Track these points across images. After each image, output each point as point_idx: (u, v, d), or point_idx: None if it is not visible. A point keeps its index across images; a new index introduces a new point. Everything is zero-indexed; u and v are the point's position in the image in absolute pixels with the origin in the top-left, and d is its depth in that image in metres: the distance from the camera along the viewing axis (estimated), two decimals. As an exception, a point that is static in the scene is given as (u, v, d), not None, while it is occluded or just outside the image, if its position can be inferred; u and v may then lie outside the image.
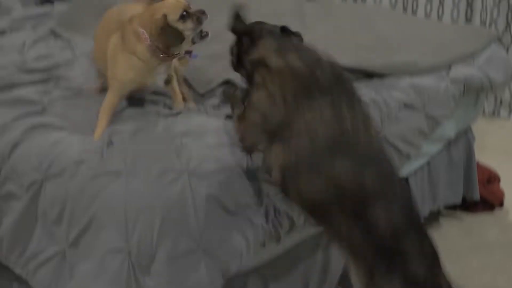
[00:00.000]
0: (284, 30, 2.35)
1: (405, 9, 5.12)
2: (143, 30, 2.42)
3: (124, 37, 2.48)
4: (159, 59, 2.46)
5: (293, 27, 2.41)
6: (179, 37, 2.39)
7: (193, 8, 2.43)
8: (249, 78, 2.29)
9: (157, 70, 2.51)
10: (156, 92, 2.72)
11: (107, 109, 2.51)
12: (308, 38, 2.45)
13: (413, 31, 3.51)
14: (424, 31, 3.52)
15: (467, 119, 3.39)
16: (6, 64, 3.02)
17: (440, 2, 4.92)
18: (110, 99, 2.52)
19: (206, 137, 2.39)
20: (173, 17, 2.39)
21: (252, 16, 2.43)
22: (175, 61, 2.62)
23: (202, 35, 2.46)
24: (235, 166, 2.29)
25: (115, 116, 2.54)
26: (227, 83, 2.79)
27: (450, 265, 2.14)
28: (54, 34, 3.47)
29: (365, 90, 2.70)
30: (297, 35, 2.39)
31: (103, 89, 2.66)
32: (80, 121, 2.56)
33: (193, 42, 2.47)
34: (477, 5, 4.75)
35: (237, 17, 2.37)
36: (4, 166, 2.46)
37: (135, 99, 2.67)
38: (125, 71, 2.48)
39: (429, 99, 2.95)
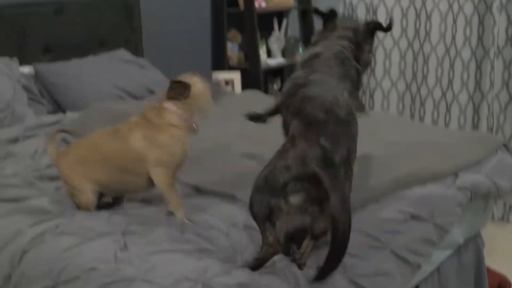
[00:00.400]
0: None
1: (412, 116, 5.18)
2: (169, 103, 2.65)
3: (152, 119, 2.66)
4: (188, 123, 2.67)
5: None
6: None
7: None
8: None
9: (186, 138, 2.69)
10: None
11: (170, 185, 2.64)
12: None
13: (420, 138, 3.54)
14: (431, 138, 3.55)
15: (476, 225, 3.38)
16: (20, 171, 3.07)
17: (447, 108, 4.97)
18: (166, 176, 2.64)
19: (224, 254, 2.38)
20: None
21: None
22: None
23: None
24: (252, 285, 2.23)
25: (131, 218, 2.60)
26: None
27: None
28: (65, 142, 3.52)
29: (374, 207, 2.78)
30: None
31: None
32: (92, 227, 2.56)
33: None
34: (484, 111, 4.80)
35: None
36: (14, 273, 2.45)
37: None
38: (172, 143, 2.64)
39: (437, 208, 2.93)
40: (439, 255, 3.09)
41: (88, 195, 2.69)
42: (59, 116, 3.94)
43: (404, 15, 5.12)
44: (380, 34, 5.21)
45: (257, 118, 2.90)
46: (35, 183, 2.97)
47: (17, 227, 2.55)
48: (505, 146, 3.59)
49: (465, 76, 4.86)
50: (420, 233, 2.82)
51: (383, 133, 3.56)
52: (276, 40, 6.05)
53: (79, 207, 2.71)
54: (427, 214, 2.89)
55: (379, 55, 5.26)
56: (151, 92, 4.50)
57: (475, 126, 4.88)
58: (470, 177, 3.16)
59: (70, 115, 3.94)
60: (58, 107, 4.25)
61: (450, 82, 4.94)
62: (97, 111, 3.75)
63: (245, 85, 5.66)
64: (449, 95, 4.96)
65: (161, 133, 2.63)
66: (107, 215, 2.65)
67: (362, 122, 3.43)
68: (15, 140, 3.56)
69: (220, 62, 5.80)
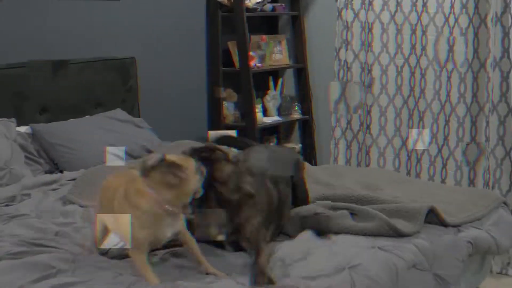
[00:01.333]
0: None
1: (408, 172, 5.18)
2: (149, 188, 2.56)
3: (130, 198, 2.61)
4: (165, 209, 2.57)
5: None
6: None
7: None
8: None
9: (164, 222, 2.61)
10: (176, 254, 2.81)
11: (143, 265, 2.57)
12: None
13: (421, 194, 3.54)
14: (432, 195, 3.54)
15: (475, 280, 3.38)
16: (24, 230, 3.06)
17: (443, 164, 4.97)
18: (138, 258, 2.59)
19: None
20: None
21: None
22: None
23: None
24: None
25: (136, 277, 2.58)
26: None
27: None
28: (63, 200, 3.52)
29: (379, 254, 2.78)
30: None
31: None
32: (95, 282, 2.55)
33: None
34: (480, 166, 4.80)
35: None
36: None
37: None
38: (137, 226, 2.57)
39: (437, 259, 2.94)
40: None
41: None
42: (56, 175, 3.95)
43: (399, 71, 5.17)
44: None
45: None
46: (41, 241, 2.94)
47: (20, 283, 2.51)
48: (505, 203, 3.60)
49: (460, 132, 4.87)
50: (420, 284, 2.83)
51: (384, 188, 3.57)
52: (272, 98, 6.09)
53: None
54: (427, 265, 2.89)
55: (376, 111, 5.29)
56: (148, 151, 4.51)
57: (472, 181, 4.87)
58: (472, 232, 3.17)
59: (68, 175, 3.94)
60: (55, 166, 4.25)
61: (446, 138, 4.95)
62: (94, 173, 3.73)
63: (241, 143, 5.66)
64: (445, 151, 4.96)
65: (134, 213, 2.58)
66: (113, 274, 2.63)
67: (363, 178, 3.45)
68: (12, 199, 3.55)
69: (216, 120, 5.81)
